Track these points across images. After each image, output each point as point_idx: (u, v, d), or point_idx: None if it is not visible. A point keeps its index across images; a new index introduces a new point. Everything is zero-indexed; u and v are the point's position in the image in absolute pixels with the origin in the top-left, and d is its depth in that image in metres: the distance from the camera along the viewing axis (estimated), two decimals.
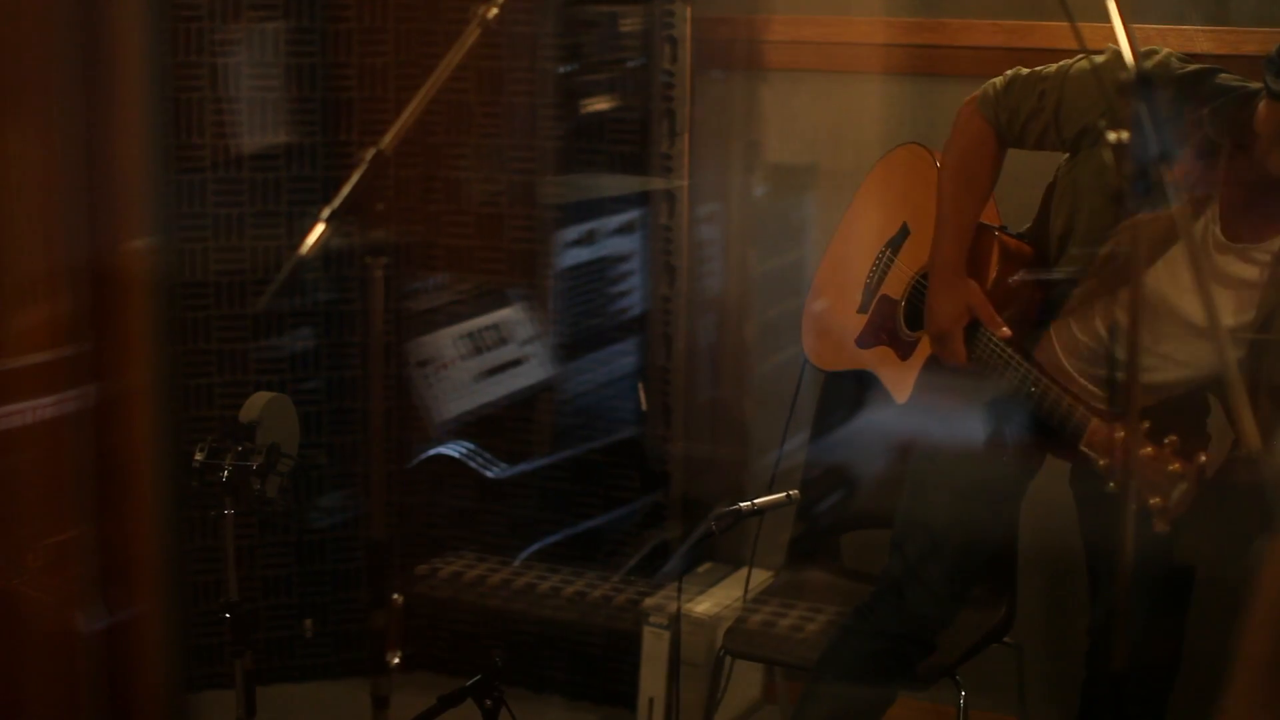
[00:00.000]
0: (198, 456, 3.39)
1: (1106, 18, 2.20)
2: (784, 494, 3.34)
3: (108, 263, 2.66)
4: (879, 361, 3.56)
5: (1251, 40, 3.78)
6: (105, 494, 2.73)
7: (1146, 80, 2.06)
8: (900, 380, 3.48)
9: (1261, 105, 2.88)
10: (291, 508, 4.52)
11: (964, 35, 4.06)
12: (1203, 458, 2.67)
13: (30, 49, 2.55)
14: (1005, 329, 3.21)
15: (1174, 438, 2.70)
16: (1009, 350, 3.20)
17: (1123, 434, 2.44)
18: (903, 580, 3.40)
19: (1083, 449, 2.91)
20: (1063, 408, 3.05)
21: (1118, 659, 2.23)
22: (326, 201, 2.35)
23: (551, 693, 4.59)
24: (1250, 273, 3.00)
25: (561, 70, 4.37)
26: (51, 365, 2.61)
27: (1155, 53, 3.10)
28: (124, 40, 2.64)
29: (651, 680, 4.10)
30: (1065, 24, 3.74)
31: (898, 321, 3.56)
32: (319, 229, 2.36)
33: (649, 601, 4.10)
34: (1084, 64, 3.15)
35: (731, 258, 4.45)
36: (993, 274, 3.30)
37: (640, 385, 4.46)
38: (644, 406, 4.43)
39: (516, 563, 4.51)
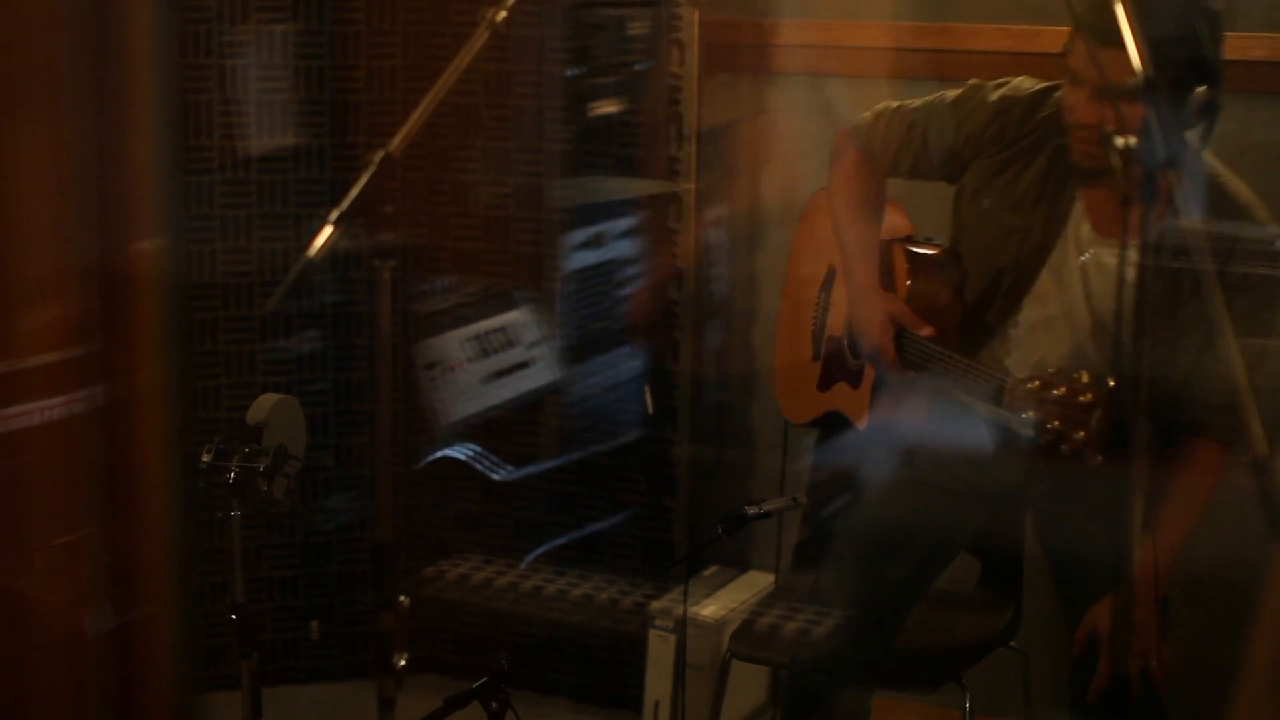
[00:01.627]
0: (204, 458, 3.39)
1: None
2: (790, 497, 3.35)
3: (117, 264, 2.67)
4: (839, 398, 3.62)
5: (1260, 45, 3.79)
6: (114, 495, 2.73)
7: (1154, 86, 2.07)
8: (857, 407, 3.55)
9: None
10: (298, 509, 4.52)
11: (971, 39, 4.06)
12: (1111, 382, 2.72)
13: (39, 50, 2.56)
14: (927, 328, 3.30)
15: (1082, 372, 2.77)
16: (935, 346, 3.28)
17: (1036, 383, 2.73)
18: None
19: (1005, 408, 3.01)
20: (994, 387, 3.11)
21: (1118, 665, 2.23)
22: (334, 204, 2.36)
23: (557, 695, 4.59)
24: (1115, 269, 3.16)
25: (569, 73, 4.37)
26: (60, 366, 2.61)
27: (1007, 82, 3.36)
28: (134, 42, 2.65)
29: (657, 683, 4.10)
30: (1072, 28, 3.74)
31: (845, 355, 3.62)
32: (327, 231, 2.37)
33: (655, 605, 4.10)
34: (949, 95, 3.41)
35: (738, 261, 4.45)
36: (904, 283, 3.40)
37: (646, 388, 4.46)
38: (650, 410, 4.43)
39: (523, 565, 4.51)
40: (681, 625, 3.81)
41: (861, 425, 3.53)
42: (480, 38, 2.55)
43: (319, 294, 4.49)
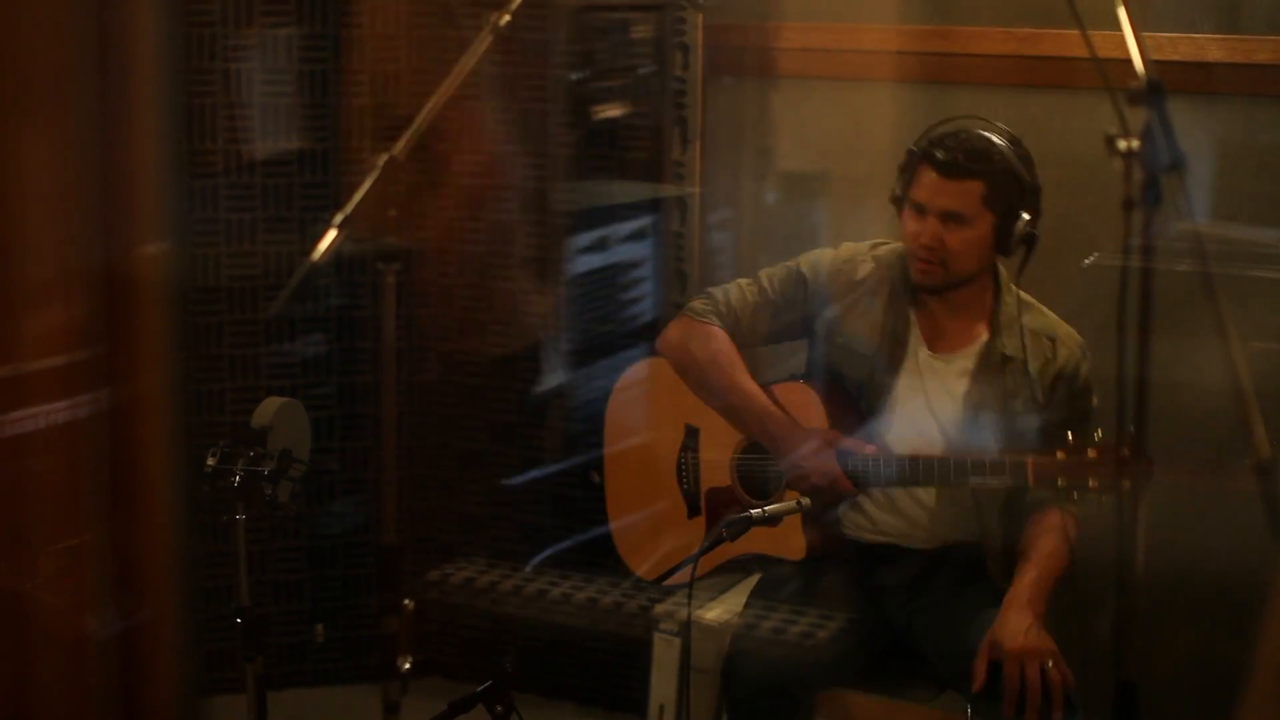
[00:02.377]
0: (209, 461, 3.39)
1: (1117, 26, 2.21)
2: (794, 500, 3.34)
3: (121, 268, 2.67)
4: (760, 539, 3.65)
5: (1264, 49, 3.78)
6: (118, 498, 2.74)
7: (1157, 89, 2.07)
8: (787, 543, 3.64)
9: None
10: (303, 513, 4.52)
11: (975, 43, 4.06)
12: (1132, 427, 2.83)
13: (43, 56, 2.56)
14: (869, 446, 3.51)
15: (1100, 431, 3.20)
16: (892, 459, 3.48)
17: (1062, 454, 3.18)
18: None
19: (1034, 484, 3.31)
20: (985, 467, 3.37)
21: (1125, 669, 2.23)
22: (338, 207, 2.36)
23: (562, 699, 4.59)
24: (958, 379, 3.53)
25: (573, 77, 4.37)
26: (65, 370, 2.61)
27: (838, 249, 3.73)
28: (137, 46, 2.65)
29: (662, 686, 4.10)
30: (1076, 32, 3.74)
31: (741, 500, 3.74)
32: (331, 235, 2.37)
33: (659, 608, 4.09)
34: (790, 266, 3.71)
35: (743, 264, 4.45)
36: (821, 413, 3.60)
37: None
38: None
39: (528, 569, 4.51)
40: (686, 628, 3.80)
41: (800, 556, 3.65)
42: (484, 41, 2.55)
43: (324, 298, 4.49)
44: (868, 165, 4.24)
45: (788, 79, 4.35)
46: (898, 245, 3.61)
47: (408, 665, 2.53)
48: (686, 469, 3.81)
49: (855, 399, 3.59)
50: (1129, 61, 2.12)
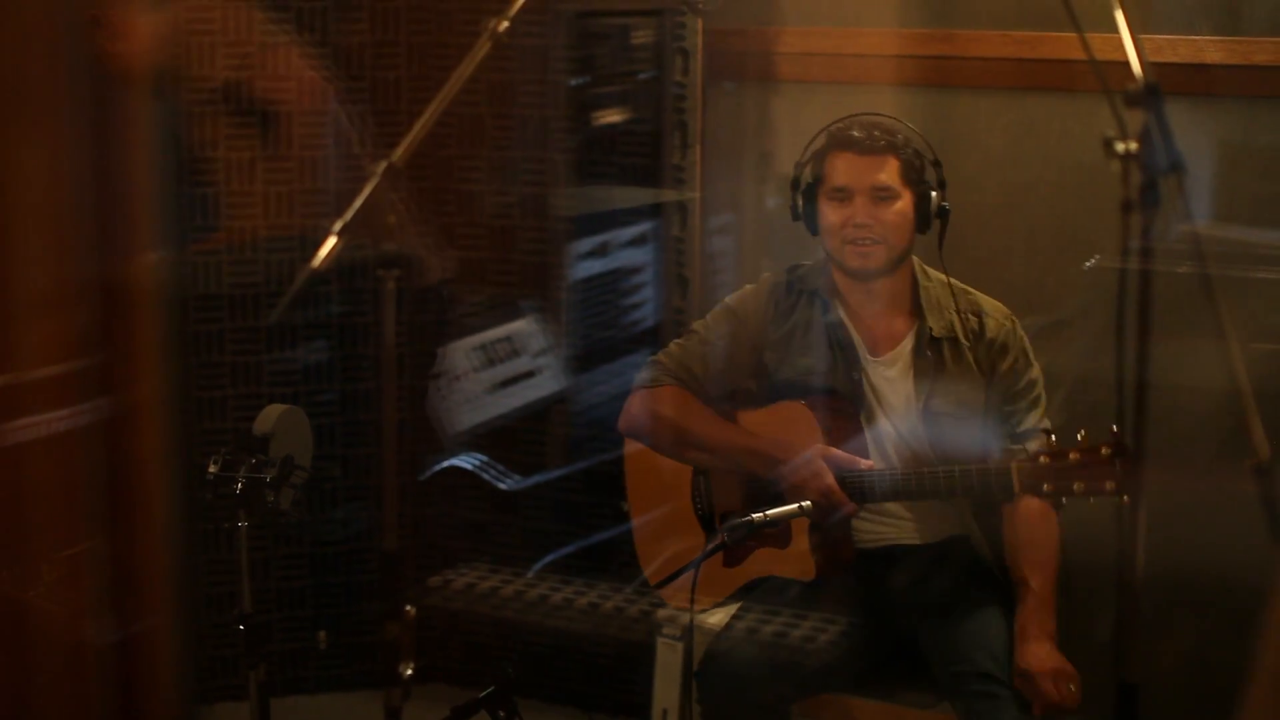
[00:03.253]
0: (211, 469, 3.40)
1: (1115, 28, 2.21)
2: (796, 505, 3.34)
3: (117, 277, 2.67)
4: (770, 562, 3.66)
5: (1263, 50, 3.79)
6: (115, 508, 2.73)
7: (1155, 92, 2.07)
8: (799, 565, 3.60)
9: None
10: (305, 520, 4.52)
11: (974, 46, 4.06)
12: (1114, 428, 3.03)
13: (38, 65, 2.56)
14: (866, 460, 3.50)
15: (1082, 433, 3.15)
16: (887, 473, 3.47)
17: (1045, 458, 3.15)
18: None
19: (1019, 491, 3.25)
20: (973, 477, 3.34)
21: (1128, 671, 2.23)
22: (339, 214, 2.36)
23: (565, 704, 4.59)
24: (902, 377, 3.54)
25: (573, 83, 4.37)
26: (61, 379, 2.61)
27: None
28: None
29: (665, 691, 4.10)
30: (1074, 35, 3.74)
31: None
32: (331, 242, 2.37)
33: (662, 613, 4.09)
34: (721, 308, 3.74)
35: (744, 269, 4.46)
36: (820, 431, 3.57)
37: None
38: None
39: (530, 574, 4.51)
40: (689, 633, 3.80)
41: (811, 577, 3.61)
42: (483, 48, 2.55)
43: (325, 305, 4.49)
44: None
45: (787, 83, 4.35)
46: (812, 262, 3.68)
47: (410, 671, 2.52)
48: (701, 497, 3.80)
49: (843, 413, 3.60)
50: (1127, 64, 2.12)
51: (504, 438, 4.53)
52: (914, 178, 3.48)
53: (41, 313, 2.57)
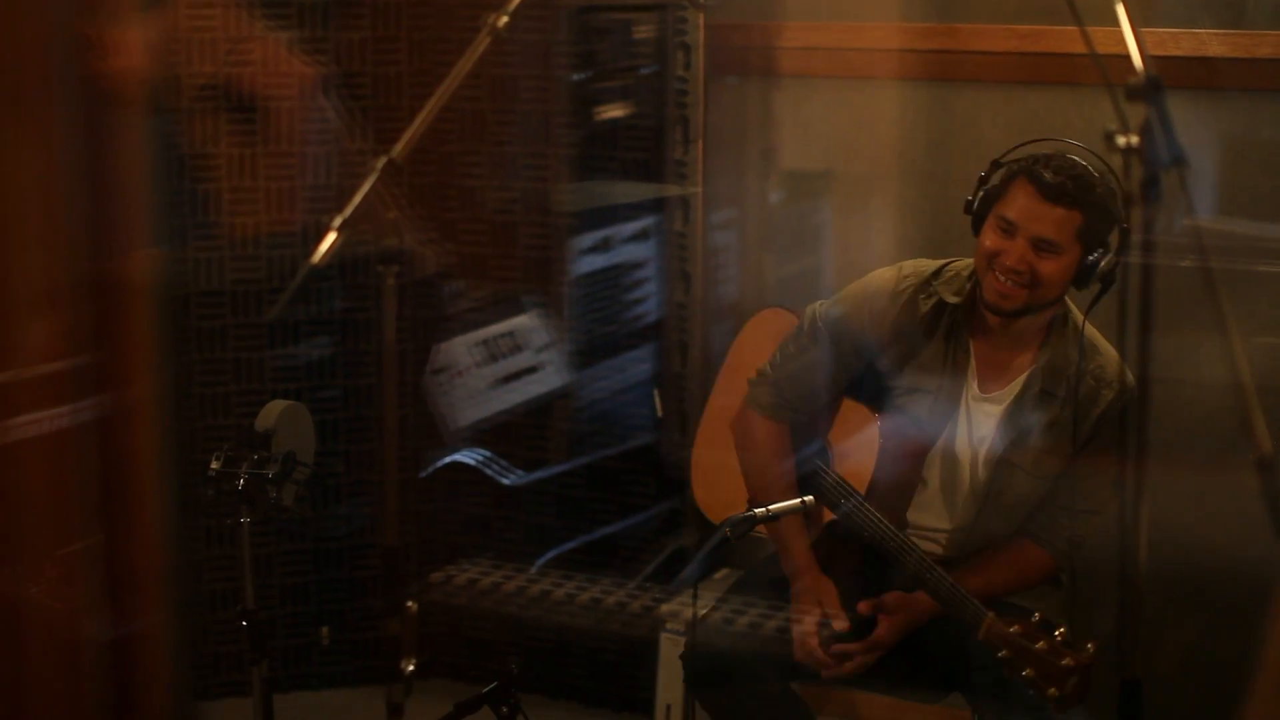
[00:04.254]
0: (213, 465, 3.40)
1: (1117, 22, 2.20)
2: (798, 500, 3.34)
3: (112, 274, 2.67)
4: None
5: (1266, 43, 3.78)
6: (111, 505, 2.73)
7: (1157, 85, 2.07)
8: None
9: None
10: (307, 516, 4.52)
11: (977, 40, 4.06)
12: (1090, 647, 3.11)
13: (31, 59, 2.56)
14: (841, 623, 3.50)
15: (1062, 630, 3.14)
16: (894, 535, 3.45)
17: (1017, 628, 3.15)
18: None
19: (981, 640, 3.25)
20: (954, 594, 3.35)
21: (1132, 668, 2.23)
22: (339, 210, 2.36)
23: (568, 699, 4.59)
24: (993, 417, 3.47)
25: (575, 78, 4.37)
26: (56, 377, 2.61)
27: (893, 272, 3.57)
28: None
29: (668, 686, 4.10)
30: (1076, 29, 3.74)
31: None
32: (331, 237, 2.37)
33: (665, 608, 4.10)
34: (845, 299, 3.59)
35: (746, 264, 4.46)
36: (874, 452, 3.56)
37: (655, 392, 4.46)
38: (659, 413, 4.43)
39: (532, 570, 4.51)
40: (692, 628, 3.81)
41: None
42: (483, 43, 2.55)
43: (326, 301, 4.49)
44: (870, 164, 4.24)
45: (790, 78, 4.35)
46: (964, 265, 3.51)
47: (412, 667, 2.52)
48: None
49: (907, 443, 3.54)
50: (1129, 58, 2.12)
51: (506, 433, 4.53)
52: (1090, 238, 3.26)
53: (36, 310, 2.57)
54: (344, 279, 4.47)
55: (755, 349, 3.87)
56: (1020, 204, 3.29)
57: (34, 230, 2.57)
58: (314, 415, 3.64)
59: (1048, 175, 3.26)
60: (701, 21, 4.25)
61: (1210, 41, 3.81)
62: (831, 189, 4.35)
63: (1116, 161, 2.07)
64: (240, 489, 3.39)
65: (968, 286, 3.45)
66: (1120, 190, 3.25)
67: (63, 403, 2.58)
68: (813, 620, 3.48)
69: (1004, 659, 3.18)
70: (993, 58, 4.03)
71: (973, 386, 3.47)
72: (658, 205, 4.40)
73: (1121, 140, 2.05)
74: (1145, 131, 2.06)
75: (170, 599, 2.84)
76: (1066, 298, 3.40)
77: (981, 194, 3.39)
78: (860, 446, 3.55)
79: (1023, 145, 3.39)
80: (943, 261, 3.52)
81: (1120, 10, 2.20)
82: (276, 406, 3.52)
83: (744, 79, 4.40)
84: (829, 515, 3.58)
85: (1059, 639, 3.14)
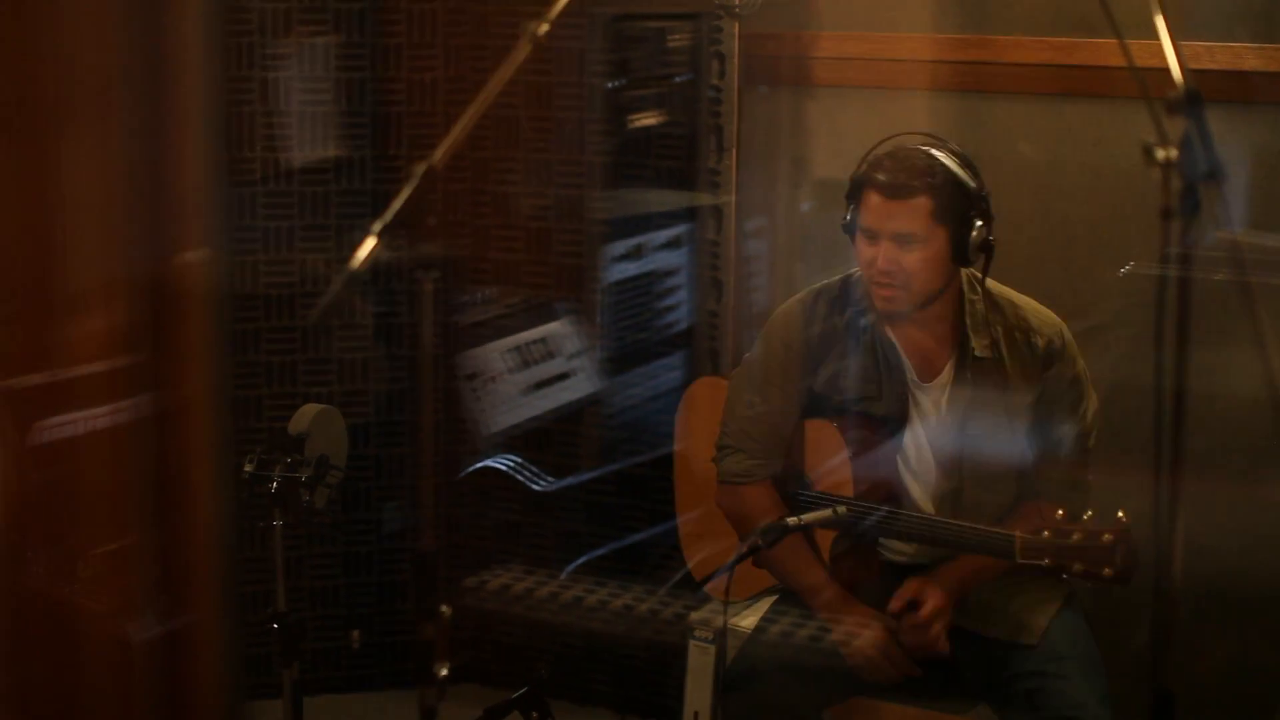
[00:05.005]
0: (247, 468, 3.42)
1: (1155, 35, 2.21)
2: (830, 509, 3.35)
3: (165, 274, 2.69)
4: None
5: (1251, 56, 3.79)
6: (161, 503, 2.75)
7: (1195, 98, 2.07)
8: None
9: None
10: (339, 519, 4.54)
11: (1011, 52, 4.06)
12: (1121, 515, 3.11)
13: (90, 61, 2.58)
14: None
15: (1089, 513, 3.15)
16: (901, 516, 3.48)
17: (1048, 532, 3.16)
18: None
19: (1021, 561, 3.23)
20: (979, 535, 3.36)
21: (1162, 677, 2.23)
22: (375, 215, 2.37)
23: (597, 705, 4.60)
24: (942, 399, 3.50)
25: (610, 86, 4.38)
26: (108, 375, 2.63)
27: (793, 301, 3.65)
28: (182, 55, 2.67)
29: (697, 694, 4.10)
30: (1113, 41, 3.74)
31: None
32: (370, 243, 2.38)
33: (695, 615, 4.10)
34: (766, 337, 3.66)
35: (778, 273, 4.46)
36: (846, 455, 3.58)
37: None
38: None
39: (564, 576, 4.52)
40: (721, 636, 3.81)
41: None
42: (522, 51, 2.56)
43: (361, 305, 4.51)
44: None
45: (823, 88, 4.35)
46: (859, 271, 3.56)
47: (444, 671, 2.53)
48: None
49: (870, 441, 3.57)
50: (1167, 70, 2.12)
51: (538, 439, 4.54)
52: (950, 216, 3.35)
53: (91, 308, 2.59)
54: (377, 284, 4.49)
55: (701, 420, 3.93)
56: (871, 210, 3.39)
57: (90, 227, 2.58)
58: (346, 419, 3.66)
59: (882, 176, 3.37)
60: (736, 31, 4.25)
61: (1246, 55, 3.81)
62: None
63: (1155, 175, 2.07)
64: (273, 492, 3.40)
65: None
66: (969, 160, 3.41)
67: (118, 399, 2.60)
68: (879, 630, 3.47)
69: (1049, 567, 3.18)
70: (1028, 70, 4.03)
71: (912, 378, 3.51)
72: (691, 213, 4.41)
73: (1160, 154, 2.06)
74: (1183, 145, 2.06)
75: (222, 597, 2.86)
76: (966, 272, 3.47)
77: (849, 210, 3.47)
78: (834, 464, 3.58)
79: (871, 149, 3.47)
80: (843, 274, 3.61)
81: (1159, 23, 2.20)
82: (310, 410, 3.54)
83: (778, 88, 4.40)
84: (826, 552, 3.59)
85: (1089, 522, 3.15)
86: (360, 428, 4.53)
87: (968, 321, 3.45)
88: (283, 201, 4.43)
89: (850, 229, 3.48)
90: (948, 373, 3.50)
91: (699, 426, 3.85)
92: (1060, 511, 3.19)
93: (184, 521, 2.74)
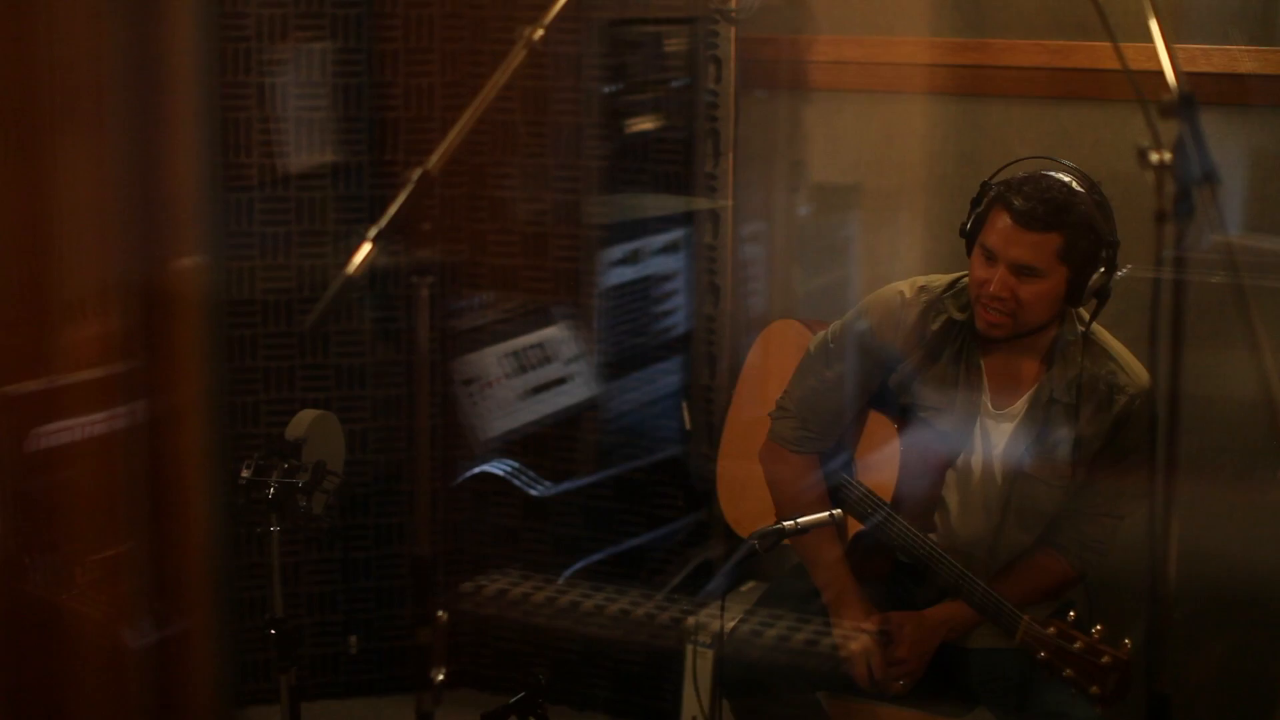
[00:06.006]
0: (244, 473, 3.42)
1: (1150, 38, 2.21)
2: (827, 513, 3.34)
3: (159, 280, 2.69)
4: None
5: (1247, 58, 3.79)
6: (156, 509, 2.75)
7: (1190, 102, 2.07)
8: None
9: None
10: (336, 525, 4.54)
11: (1008, 55, 4.06)
12: (1127, 643, 3.14)
13: (84, 68, 2.58)
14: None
15: (1099, 627, 3.16)
16: (924, 544, 3.48)
17: (1054, 629, 3.20)
18: None
19: (1019, 643, 3.28)
20: (989, 599, 3.37)
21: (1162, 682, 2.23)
22: (372, 220, 2.36)
23: (595, 710, 4.60)
24: (1008, 432, 3.46)
25: (606, 90, 4.38)
26: (103, 381, 2.63)
27: (905, 286, 3.57)
28: (176, 61, 2.67)
29: (694, 698, 4.10)
30: (1108, 44, 3.74)
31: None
32: (366, 248, 2.38)
33: (692, 620, 4.10)
34: (855, 319, 3.60)
35: (775, 277, 4.46)
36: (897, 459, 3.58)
37: (684, 404, 4.47)
38: (688, 425, 4.43)
39: (560, 581, 4.51)
40: (719, 640, 3.81)
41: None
42: (518, 56, 2.56)
43: (358, 310, 4.51)
44: (900, 178, 4.24)
45: (820, 92, 4.35)
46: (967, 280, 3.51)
47: (441, 677, 2.53)
48: None
49: (926, 450, 3.55)
50: (1161, 73, 2.12)
51: (535, 444, 4.54)
52: (1075, 257, 3.27)
53: (84, 315, 2.60)
54: (374, 289, 4.49)
55: (771, 360, 3.89)
56: (997, 231, 3.30)
57: (87, 235, 2.59)
58: (343, 424, 3.65)
59: (1019, 202, 3.26)
60: (733, 35, 4.26)
61: (1241, 58, 3.81)
62: (861, 203, 4.35)
63: (1150, 178, 2.07)
64: (270, 497, 3.40)
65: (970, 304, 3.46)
66: (1106, 204, 3.32)
67: (112, 406, 2.60)
68: (869, 639, 3.48)
69: (1043, 660, 3.19)
70: (1024, 73, 4.04)
71: (986, 403, 3.47)
72: (688, 218, 4.41)
73: (1154, 157, 2.06)
74: (1178, 148, 2.06)
75: (217, 603, 2.86)
76: (1075, 309, 3.42)
77: (973, 218, 3.40)
78: (884, 461, 3.56)
79: (1010, 165, 3.41)
80: (953, 276, 3.52)
81: (1154, 26, 2.20)
82: (307, 416, 3.54)
83: (775, 92, 4.40)
84: (855, 526, 3.58)
85: (1096, 637, 3.16)
86: (357, 433, 4.53)
87: (1057, 358, 3.40)
88: (279, 207, 4.42)
89: (970, 238, 3.41)
90: (1021, 405, 3.45)
91: (772, 370, 3.80)
92: (1072, 614, 3.20)
93: (179, 527, 2.75)
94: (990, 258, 3.31)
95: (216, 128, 4.27)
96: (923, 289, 3.52)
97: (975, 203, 3.40)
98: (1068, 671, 3.16)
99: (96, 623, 2.72)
